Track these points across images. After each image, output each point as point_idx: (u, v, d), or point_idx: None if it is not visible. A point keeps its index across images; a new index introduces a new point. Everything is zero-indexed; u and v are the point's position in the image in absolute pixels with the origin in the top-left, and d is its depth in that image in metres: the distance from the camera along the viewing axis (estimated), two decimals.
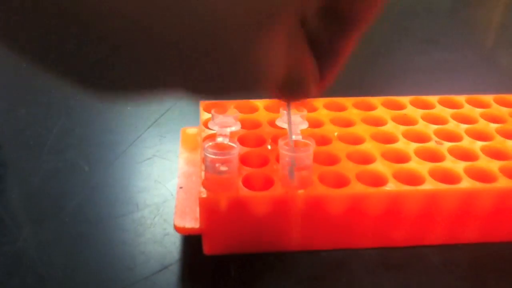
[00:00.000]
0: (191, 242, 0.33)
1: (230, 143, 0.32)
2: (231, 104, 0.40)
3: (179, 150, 0.39)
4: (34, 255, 0.32)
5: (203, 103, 0.40)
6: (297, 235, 0.32)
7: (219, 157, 0.31)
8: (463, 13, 0.84)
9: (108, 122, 0.47)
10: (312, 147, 0.31)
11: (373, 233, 0.33)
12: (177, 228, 0.32)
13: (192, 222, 0.32)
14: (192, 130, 0.42)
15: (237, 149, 0.31)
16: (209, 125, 0.36)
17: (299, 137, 0.33)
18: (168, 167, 0.40)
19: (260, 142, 0.36)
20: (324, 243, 0.33)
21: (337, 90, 0.51)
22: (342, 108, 0.41)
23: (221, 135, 0.33)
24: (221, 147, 0.32)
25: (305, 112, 0.37)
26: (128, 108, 0.49)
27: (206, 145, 0.31)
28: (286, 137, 0.32)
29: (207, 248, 0.32)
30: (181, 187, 0.35)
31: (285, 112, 0.35)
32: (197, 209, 0.32)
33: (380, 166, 0.33)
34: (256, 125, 0.38)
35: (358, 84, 0.55)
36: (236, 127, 0.36)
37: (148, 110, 0.49)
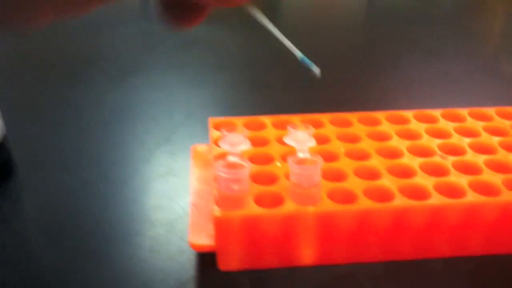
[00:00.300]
0: (206, 258, 0.34)
1: (241, 162, 0.33)
2: (240, 121, 0.41)
3: (190, 168, 0.40)
4: (51, 274, 0.33)
5: (212, 120, 0.41)
6: (308, 251, 0.33)
7: (232, 176, 0.32)
8: (464, 23, 0.86)
9: (119, 140, 0.48)
10: (320, 164, 0.32)
11: (380, 247, 0.34)
12: (192, 246, 0.33)
13: (206, 239, 0.33)
14: (202, 148, 0.43)
15: (248, 168, 0.33)
16: (220, 144, 0.37)
17: (307, 155, 0.34)
18: (180, 184, 0.42)
19: (269, 159, 0.37)
20: (334, 257, 0.34)
21: (342, 101, 0.52)
22: (347, 124, 0.42)
23: (232, 153, 0.34)
24: (232, 166, 0.33)
25: (312, 130, 0.38)
26: (138, 126, 0.50)
27: (218, 165, 0.32)
28: (295, 155, 0.33)
29: (222, 264, 0.33)
30: (194, 205, 0.36)
31: (292, 129, 0.37)
32: (211, 226, 0.33)
33: (387, 182, 0.34)
34: (264, 142, 0.39)
35: (361, 94, 0.56)
36: (246, 146, 0.37)
37: (157, 127, 0.50)
